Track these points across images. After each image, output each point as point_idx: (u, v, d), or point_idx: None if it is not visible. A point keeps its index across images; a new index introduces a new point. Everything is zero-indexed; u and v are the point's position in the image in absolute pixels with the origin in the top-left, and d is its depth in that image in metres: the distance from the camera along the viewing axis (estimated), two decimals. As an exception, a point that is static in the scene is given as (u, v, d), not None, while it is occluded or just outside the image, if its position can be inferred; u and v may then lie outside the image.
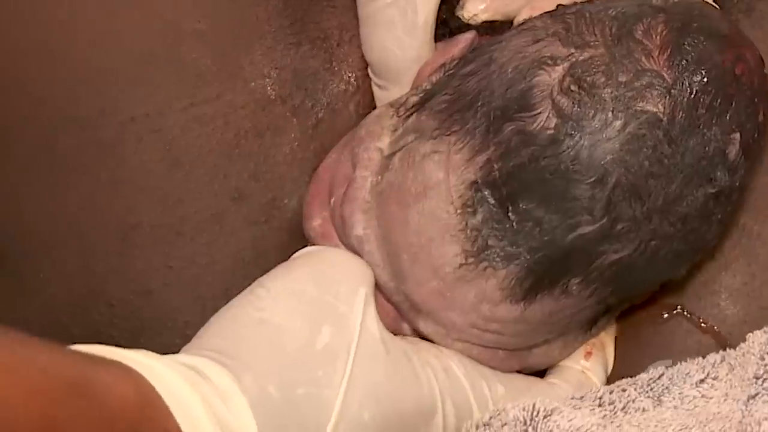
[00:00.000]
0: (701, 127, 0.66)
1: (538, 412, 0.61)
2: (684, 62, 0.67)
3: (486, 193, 0.66)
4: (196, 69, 0.73)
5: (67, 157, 0.72)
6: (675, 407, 0.66)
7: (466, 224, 0.67)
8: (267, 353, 0.63)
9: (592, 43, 0.67)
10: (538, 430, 0.61)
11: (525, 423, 0.61)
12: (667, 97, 0.66)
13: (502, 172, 0.66)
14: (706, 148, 0.67)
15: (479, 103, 0.67)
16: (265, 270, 0.72)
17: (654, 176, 0.66)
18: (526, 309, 0.67)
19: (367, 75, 0.80)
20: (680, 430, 0.62)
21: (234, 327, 0.65)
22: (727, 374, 0.66)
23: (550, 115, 0.65)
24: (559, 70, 0.66)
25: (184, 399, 0.57)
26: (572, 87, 0.66)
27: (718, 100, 0.67)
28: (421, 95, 0.72)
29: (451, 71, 0.72)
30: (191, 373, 0.59)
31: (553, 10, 0.71)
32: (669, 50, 0.67)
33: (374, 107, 0.80)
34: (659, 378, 0.67)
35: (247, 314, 0.65)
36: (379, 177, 0.71)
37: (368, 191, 0.71)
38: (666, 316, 0.76)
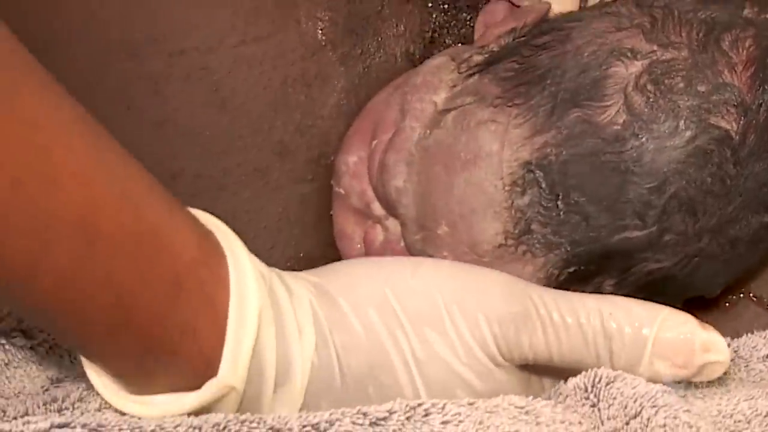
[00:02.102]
0: None
1: (600, 379, 0.59)
2: (766, 84, 0.65)
3: (538, 175, 0.64)
4: (252, 2, 0.70)
5: (114, 90, 0.69)
6: (741, 379, 0.65)
7: (512, 203, 0.65)
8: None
9: (676, 44, 0.65)
10: (601, 396, 0.58)
11: (586, 390, 0.59)
12: (743, 117, 0.64)
13: (559, 158, 0.64)
14: None
15: (548, 81, 0.66)
16: (313, 231, 0.72)
17: (713, 194, 0.64)
18: None
19: (416, 22, 0.78)
20: (746, 399, 0.60)
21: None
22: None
23: (621, 110, 0.64)
24: (638, 65, 0.65)
25: (246, 271, 0.56)
26: (649, 86, 0.64)
27: None
28: (487, 56, 0.70)
29: (522, 38, 0.70)
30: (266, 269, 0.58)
31: None
32: (753, 68, 0.65)
33: (422, 57, 0.77)
34: None
35: None
36: (428, 131, 0.69)
37: (415, 143, 0.69)
38: (732, 299, 0.75)
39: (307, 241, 0.74)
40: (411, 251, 0.69)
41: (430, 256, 0.68)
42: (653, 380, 0.60)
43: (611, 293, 0.66)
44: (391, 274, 0.60)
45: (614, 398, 0.58)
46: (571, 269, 0.65)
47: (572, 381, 0.60)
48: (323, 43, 0.73)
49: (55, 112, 0.50)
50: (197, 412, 0.55)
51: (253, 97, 0.71)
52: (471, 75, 0.69)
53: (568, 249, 0.64)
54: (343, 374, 0.57)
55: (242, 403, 0.55)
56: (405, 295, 0.59)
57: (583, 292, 0.65)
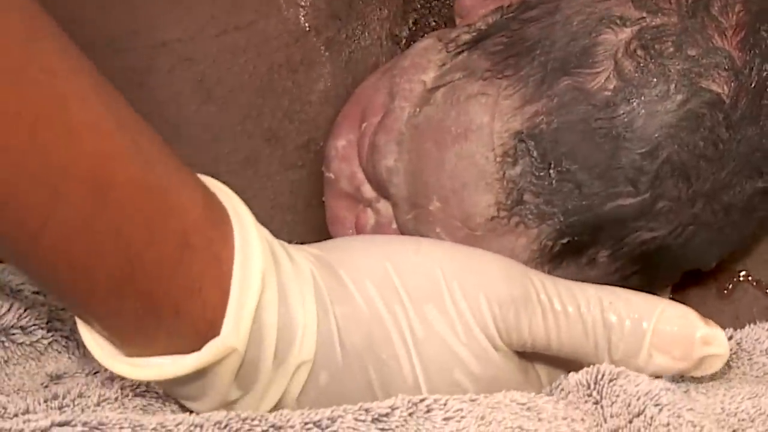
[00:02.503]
0: (763, 117, 0.65)
1: (603, 376, 0.59)
2: (757, 48, 0.65)
3: (530, 145, 0.64)
4: None
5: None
6: (744, 373, 0.64)
7: (504, 174, 0.64)
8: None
9: (665, 10, 0.65)
10: (603, 394, 0.58)
11: (589, 387, 0.59)
12: (734, 80, 0.64)
13: (550, 126, 0.64)
14: (764, 140, 0.65)
15: (538, 51, 0.65)
16: (304, 217, 0.72)
17: (706, 159, 0.63)
18: (550, 274, 0.64)
19: (399, 4, 0.78)
20: (749, 398, 0.60)
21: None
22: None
23: (611, 76, 0.63)
24: (627, 32, 0.64)
25: (250, 233, 0.56)
26: (638, 51, 0.64)
27: None
28: (474, 34, 0.70)
29: (511, 14, 0.69)
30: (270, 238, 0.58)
31: None
32: (744, 32, 0.65)
33: (407, 39, 0.78)
34: (728, 341, 0.64)
35: None
36: (417, 109, 0.68)
37: (405, 122, 0.68)
38: (731, 283, 0.74)
39: (299, 227, 0.73)
40: (403, 231, 0.69)
41: (423, 235, 0.67)
42: (651, 373, 0.60)
43: (605, 265, 0.66)
44: (393, 249, 0.60)
45: (617, 396, 0.57)
46: (565, 240, 0.64)
47: (574, 377, 0.59)
48: (307, 29, 0.72)
49: (71, 63, 0.50)
50: (195, 375, 0.54)
51: (239, 85, 0.71)
52: (460, 53, 0.69)
53: (561, 219, 0.64)
54: (343, 346, 0.57)
55: (241, 368, 0.55)
56: (406, 271, 0.59)
57: (577, 264, 0.65)
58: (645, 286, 0.69)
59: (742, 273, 0.74)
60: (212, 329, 0.54)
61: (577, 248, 0.65)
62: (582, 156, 0.63)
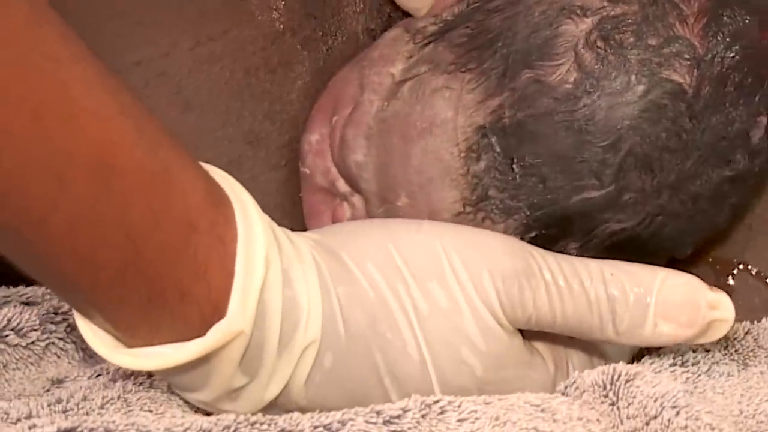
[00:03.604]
0: (727, 105, 0.64)
1: (619, 376, 0.58)
2: (719, 35, 0.64)
3: (492, 139, 0.64)
4: (199, 5, 0.71)
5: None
6: (761, 372, 0.63)
7: (468, 170, 0.64)
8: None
9: None
10: (620, 395, 0.57)
11: (605, 388, 0.58)
12: (696, 69, 0.63)
13: (512, 120, 0.63)
14: (729, 128, 0.64)
15: (500, 44, 0.65)
16: (292, 215, 0.71)
17: (669, 150, 0.63)
18: None
19: None
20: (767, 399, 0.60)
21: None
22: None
23: (572, 68, 0.63)
24: (587, 22, 0.64)
25: (251, 214, 0.56)
26: (599, 42, 0.63)
27: (749, 80, 0.64)
28: (441, 25, 0.69)
29: (476, 4, 0.69)
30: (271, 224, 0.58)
31: None
32: (705, 19, 0.64)
33: (384, 30, 0.77)
34: (744, 337, 0.64)
35: None
36: (386, 103, 0.68)
37: (373, 117, 0.68)
38: (731, 275, 0.74)
39: (286, 225, 0.70)
40: None
41: None
42: (658, 344, 0.60)
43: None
44: (393, 229, 0.60)
45: (634, 397, 0.57)
46: (533, 234, 0.64)
47: (590, 377, 0.59)
48: (282, 31, 0.73)
49: (73, 49, 0.50)
50: (199, 362, 0.54)
51: (217, 92, 0.71)
52: (426, 44, 0.69)
53: (527, 213, 0.64)
54: (347, 326, 0.57)
55: (246, 352, 0.55)
56: (408, 249, 0.59)
57: None
58: None
59: (740, 264, 0.73)
60: (217, 313, 0.54)
61: (545, 242, 0.64)
62: (545, 150, 0.63)
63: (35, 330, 0.64)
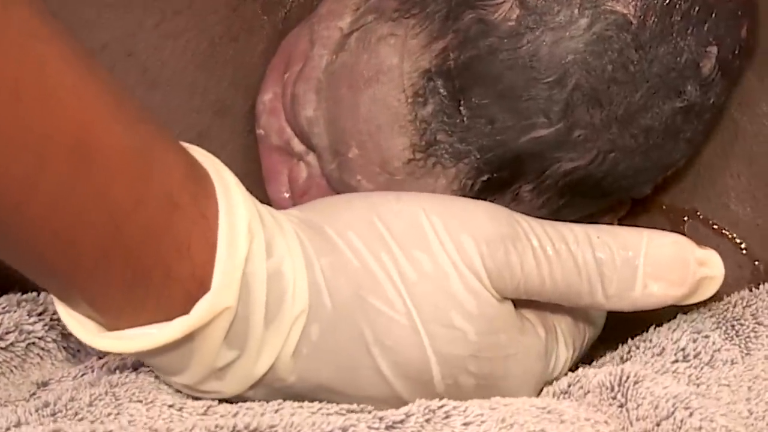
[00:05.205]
0: (674, 35, 0.63)
1: (627, 377, 0.57)
2: None
3: (438, 83, 0.63)
4: None
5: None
6: (766, 357, 0.61)
7: (416, 115, 0.64)
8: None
9: None
10: (629, 396, 0.56)
11: (613, 389, 0.57)
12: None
13: (457, 62, 0.63)
14: (678, 59, 0.63)
15: None
16: (261, 182, 0.70)
17: (617, 82, 0.62)
18: None
19: None
20: None
21: None
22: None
23: (513, 5, 0.62)
24: None
25: (231, 188, 0.55)
26: None
27: (696, 9, 0.63)
28: None
29: None
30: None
31: None
32: None
33: None
34: (743, 314, 0.63)
35: None
36: (335, 56, 0.67)
37: (322, 71, 0.68)
38: (683, 222, 0.73)
39: (260, 192, 0.72)
40: (329, 182, 0.68)
41: (348, 183, 0.66)
42: (648, 306, 0.58)
43: (530, 200, 0.65)
44: (374, 201, 0.59)
45: (644, 398, 0.55)
46: (485, 177, 0.64)
47: (596, 377, 0.58)
48: (243, -3, 0.72)
49: (50, 27, 0.49)
50: (183, 341, 0.53)
51: (182, 66, 0.71)
52: None
53: (478, 156, 0.63)
54: (332, 297, 0.56)
55: (232, 326, 0.54)
56: (390, 218, 0.58)
57: (502, 201, 0.64)
58: (580, 220, 0.67)
59: (698, 212, 0.72)
60: (202, 288, 0.53)
61: (498, 185, 0.64)
62: (491, 90, 0.62)
63: (11, 332, 0.63)
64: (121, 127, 0.51)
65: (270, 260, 0.55)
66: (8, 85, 0.46)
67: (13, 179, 0.48)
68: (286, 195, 0.71)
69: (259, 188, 0.72)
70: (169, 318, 0.53)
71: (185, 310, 0.53)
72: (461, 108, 0.63)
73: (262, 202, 0.69)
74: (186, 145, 0.56)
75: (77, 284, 0.53)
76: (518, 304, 0.61)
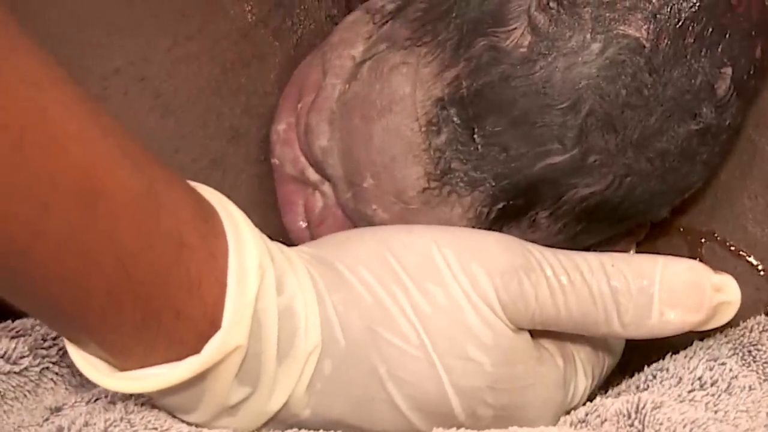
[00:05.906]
0: (688, 57, 0.62)
1: (644, 405, 0.56)
2: None
3: (451, 111, 0.63)
4: (175, 5, 0.70)
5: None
6: None
7: (430, 144, 0.63)
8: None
9: None
10: (646, 423, 0.55)
11: (629, 417, 0.56)
12: (652, 22, 0.61)
13: (470, 90, 0.62)
14: (692, 81, 0.62)
15: (453, 14, 0.64)
16: (277, 211, 0.70)
17: (631, 107, 0.61)
18: None
19: None
20: None
21: None
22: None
23: (525, 32, 0.62)
24: None
25: (240, 225, 0.55)
26: (551, 3, 0.62)
27: (710, 30, 0.62)
28: (399, 3, 0.68)
29: None
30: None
31: None
32: None
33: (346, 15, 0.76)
34: (759, 342, 0.62)
35: None
36: (347, 86, 0.67)
37: (335, 100, 0.68)
38: (701, 245, 0.72)
39: (275, 221, 0.72)
40: (345, 212, 0.68)
41: (363, 213, 0.66)
42: (665, 333, 0.58)
43: (547, 227, 0.64)
44: (386, 234, 0.59)
45: (661, 423, 0.55)
46: (500, 205, 0.63)
47: (614, 406, 0.57)
48: (254, 23, 0.72)
49: (52, 74, 0.49)
50: (194, 380, 0.53)
51: (196, 92, 0.71)
52: (384, 23, 0.68)
53: (493, 184, 0.63)
54: (344, 332, 0.56)
55: (244, 363, 0.54)
56: (401, 251, 0.58)
57: (519, 228, 0.64)
58: (599, 245, 0.68)
59: (715, 234, 0.71)
60: (213, 327, 0.53)
61: (514, 212, 0.64)
62: (505, 117, 0.62)
63: (25, 356, 0.63)
64: (126, 171, 0.51)
65: (281, 297, 0.55)
66: (12, 134, 0.47)
67: (19, 225, 0.48)
68: (303, 225, 0.71)
69: (274, 216, 0.72)
70: (180, 357, 0.53)
71: (196, 350, 0.53)
72: (475, 136, 0.62)
73: (277, 231, 0.68)
74: (193, 183, 0.56)
75: (87, 327, 0.53)
76: (536, 333, 0.60)
